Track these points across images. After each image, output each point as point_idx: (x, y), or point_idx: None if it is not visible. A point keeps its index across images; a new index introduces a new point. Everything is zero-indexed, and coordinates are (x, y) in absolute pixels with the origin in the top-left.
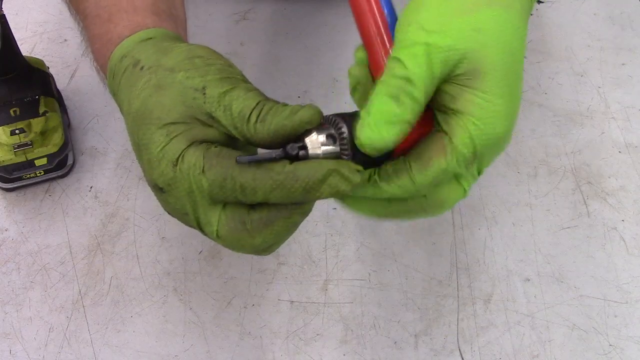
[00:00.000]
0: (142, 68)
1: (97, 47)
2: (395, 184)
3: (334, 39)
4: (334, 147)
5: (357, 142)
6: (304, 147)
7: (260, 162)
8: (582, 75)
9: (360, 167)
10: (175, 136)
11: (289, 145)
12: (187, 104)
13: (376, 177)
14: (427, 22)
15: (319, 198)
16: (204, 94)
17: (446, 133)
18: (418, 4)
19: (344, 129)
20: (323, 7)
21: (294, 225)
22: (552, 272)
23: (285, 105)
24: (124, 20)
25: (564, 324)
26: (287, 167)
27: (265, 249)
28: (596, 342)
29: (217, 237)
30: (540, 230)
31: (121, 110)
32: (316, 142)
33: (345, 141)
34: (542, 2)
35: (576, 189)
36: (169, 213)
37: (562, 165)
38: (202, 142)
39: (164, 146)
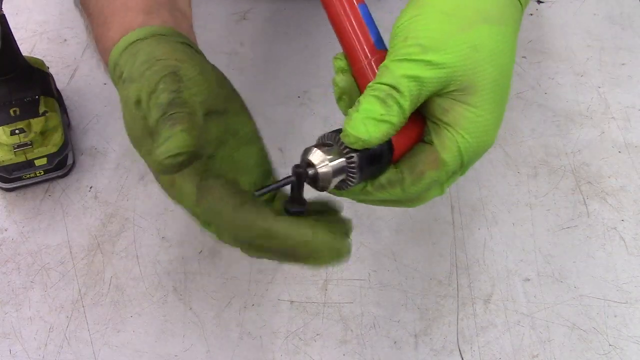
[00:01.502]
0: (123, 81)
1: (100, 50)
2: (388, 193)
3: (334, 39)
4: (339, 161)
5: (343, 135)
6: (312, 165)
7: (273, 190)
8: (582, 75)
9: (346, 242)
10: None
11: (295, 166)
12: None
13: (369, 188)
14: (425, 38)
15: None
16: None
17: (436, 146)
18: (417, 13)
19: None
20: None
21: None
22: (552, 272)
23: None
24: (115, 24)
25: (564, 324)
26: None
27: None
28: (596, 342)
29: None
30: (540, 230)
31: None
32: (322, 159)
33: (349, 153)
34: (542, 2)
35: (576, 189)
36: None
37: (562, 165)
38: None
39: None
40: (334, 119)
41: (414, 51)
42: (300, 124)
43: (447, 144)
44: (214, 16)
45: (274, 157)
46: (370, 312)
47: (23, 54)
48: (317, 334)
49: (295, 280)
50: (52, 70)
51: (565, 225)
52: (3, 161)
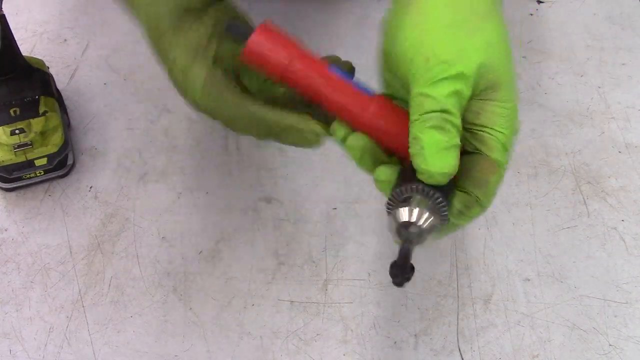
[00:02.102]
0: None
1: None
2: (469, 217)
3: (334, 39)
4: (434, 219)
5: (426, 176)
6: (412, 224)
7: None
8: (582, 75)
9: (322, 132)
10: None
11: (403, 240)
12: None
13: (453, 220)
14: (445, 54)
15: (280, 144)
16: None
17: (484, 152)
18: (422, 32)
19: (438, 196)
20: (323, 7)
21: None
22: (552, 272)
23: None
24: None
25: (564, 324)
26: (269, 114)
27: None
28: (596, 342)
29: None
30: (540, 230)
31: None
32: (418, 214)
33: (432, 192)
34: (542, 2)
35: (576, 189)
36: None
37: (562, 165)
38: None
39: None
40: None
41: (443, 68)
42: None
43: (492, 144)
44: None
45: (274, 157)
46: (370, 312)
47: (23, 54)
48: (317, 334)
49: (295, 280)
50: (52, 70)
51: (565, 225)
52: (3, 161)
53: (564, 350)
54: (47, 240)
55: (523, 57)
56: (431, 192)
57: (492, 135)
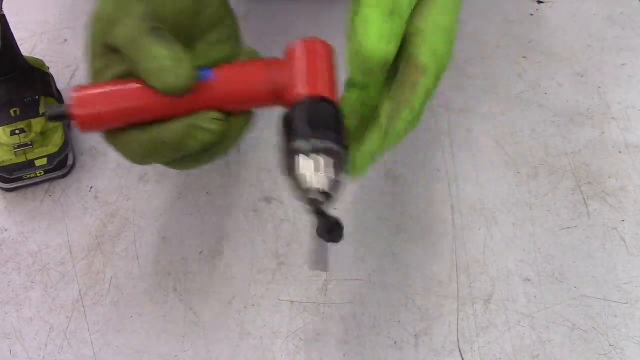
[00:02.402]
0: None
1: None
2: (401, 119)
3: (334, 39)
4: (334, 174)
5: (362, 54)
6: (318, 197)
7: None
8: (582, 75)
9: (218, 115)
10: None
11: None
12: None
13: (384, 128)
14: None
15: (192, 151)
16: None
17: (412, 54)
18: None
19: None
20: (323, 7)
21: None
22: (552, 272)
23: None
24: None
25: (564, 324)
26: (152, 133)
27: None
28: (596, 342)
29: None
30: (540, 230)
31: None
32: (313, 169)
33: (325, 140)
34: (542, 2)
35: (576, 189)
36: None
37: (562, 165)
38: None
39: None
40: None
41: None
42: None
43: (421, 48)
44: None
45: (274, 157)
46: (370, 312)
47: (23, 54)
48: (317, 334)
49: (295, 280)
50: (52, 70)
51: (565, 225)
52: (3, 161)
53: (564, 350)
54: (47, 240)
55: (523, 57)
56: (321, 144)
57: (420, 37)
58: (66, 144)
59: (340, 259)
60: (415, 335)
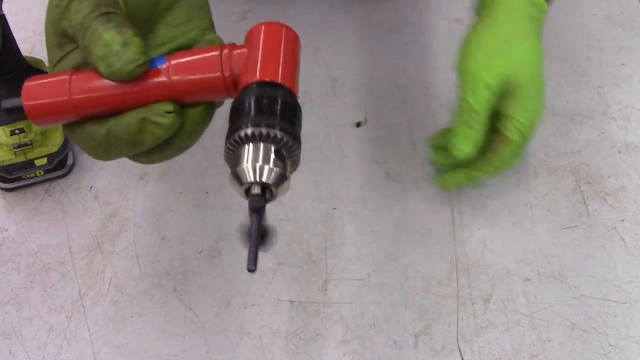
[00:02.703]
0: None
1: None
2: (484, 171)
3: (334, 39)
4: (278, 165)
5: (453, 150)
6: (261, 191)
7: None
8: (582, 75)
9: (169, 107)
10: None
11: (252, 202)
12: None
13: (474, 173)
14: (473, 68)
15: (150, 146)
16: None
17: (502, 131)
18: (465, 54)
19: (277, 133)
20: (323, 7)
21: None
22: (552, 272)
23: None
24: None
25: (564, 324)
26: (108, 127)
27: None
28: (596, 342)
29: None
30: (540, 230)
31: None
32: (264, 171)
33: (289, 144)
34: None
35: (576, 189)
36: None
37: (562, 165)
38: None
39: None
40: (333, 118)
41: (474, 79)
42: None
43: (509, 127)
44: (214, 16)
45: None
46: (370, 312)
47: (23, 54)
48: (317, 334)
49: (295, 280)
50: None
51: (565, 225)
52: (3, 161)
53: (564, 350)
54: (47, 240)
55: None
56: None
57: (511, 122)
58: (66, 144)
59: (340, 259)
60: (415, 335)
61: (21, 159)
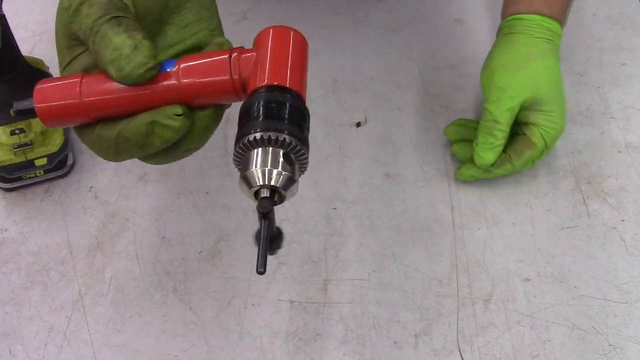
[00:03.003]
0: None
1: None
2: (503, 169)
3: (334, 39)
4: (287, 169)
5: (477, 159)
6: (270, 194)
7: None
8: (582, 75)
9: (179, 110)
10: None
11: (261, 207)
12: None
13: (491, 168)
14: (499, 83)
15: (159, 148)
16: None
17: (527, 134)
18: (489, 70)
19: (286, 137)
20: (323, 7)
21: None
22: (552, 272)
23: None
24: None
25: (564, 324)
26: (118, 130)
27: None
28: (596, 342)
29: None
30: (540, 230)
31: None
32: (272, 175)
33: (300, 153)
34: None
35: (576, 189)
36: None
37: (562, 165)
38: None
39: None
40: (333, 118)
41: (498, 92)
42: None
43: (535, 133)
44: None
45: None
46: (370, 312)
47: (23, 54)
48: (317, 334)
49: (295, 280)
50: (52, 70)
51: (565, 225)
52: (3, 161)
53: (564, 350)
54: (47, 240)
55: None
56: (277, 146)
57: (536, 129)
58: (66, 144)
59: (340, 259)
60: (415, 335)
61: (21, 159)
